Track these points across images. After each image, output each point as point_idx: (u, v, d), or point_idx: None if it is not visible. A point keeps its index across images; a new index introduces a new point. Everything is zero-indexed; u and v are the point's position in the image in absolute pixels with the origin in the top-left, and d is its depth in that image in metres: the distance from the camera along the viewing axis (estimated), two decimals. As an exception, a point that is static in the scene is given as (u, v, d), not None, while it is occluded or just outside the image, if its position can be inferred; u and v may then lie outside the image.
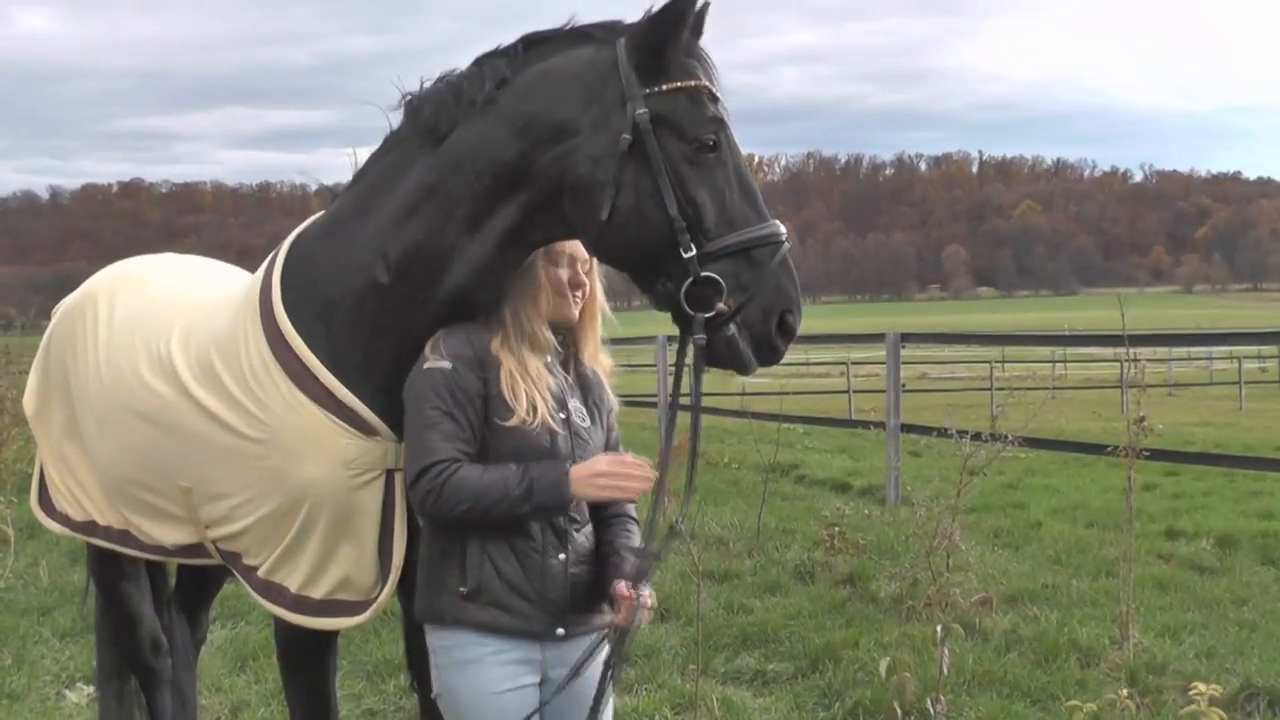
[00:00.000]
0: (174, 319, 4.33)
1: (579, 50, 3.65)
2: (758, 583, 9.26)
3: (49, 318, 5.02)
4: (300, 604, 3.83)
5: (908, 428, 12.87)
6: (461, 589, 3.52)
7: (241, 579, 4.11)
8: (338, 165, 3.63)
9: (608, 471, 3.45)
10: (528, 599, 3.55)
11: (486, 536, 3.53)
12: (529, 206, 3.64)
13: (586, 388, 3.81)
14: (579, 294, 3.73)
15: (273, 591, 3.89)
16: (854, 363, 39.08)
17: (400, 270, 3.66)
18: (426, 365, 3.54)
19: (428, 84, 3.79)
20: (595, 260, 3.72)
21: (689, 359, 3.62)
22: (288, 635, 3.98)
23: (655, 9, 3.55)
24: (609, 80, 3.57)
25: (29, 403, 5.03)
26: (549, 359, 3.70)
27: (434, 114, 3.68)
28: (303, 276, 3.80)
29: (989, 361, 37.09)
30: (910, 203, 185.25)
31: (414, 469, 3.48)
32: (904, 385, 12.59)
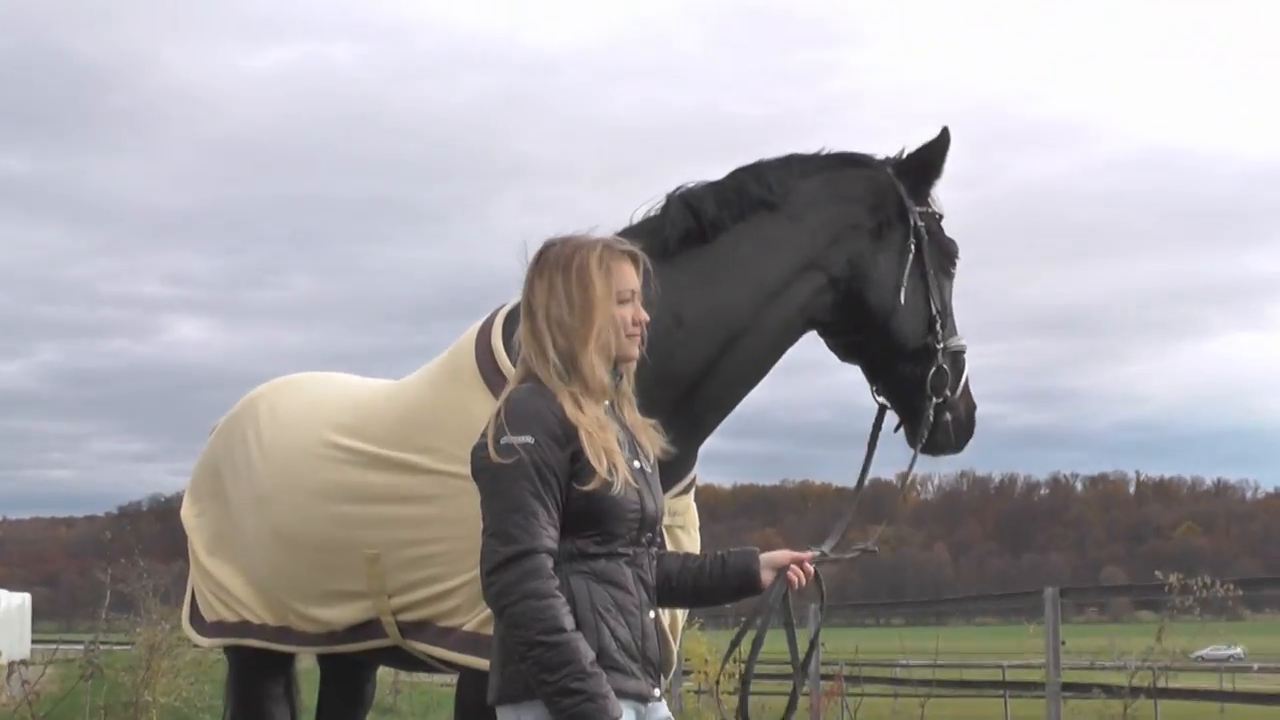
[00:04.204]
0: (344, 408, 4.64)
1: (854, 170, 4.39)
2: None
3: None
4: None
5: (1069, 687, 12.13)
6: None
7: (429, 648, 4.13)
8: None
9: None
10: (635, 659, 3.25)
11: (594, 593, 3.20)
12: (818, 288, 4.25)
13: (638, 431, 3.45)
14: (639, 329, 3.40)
15: (481, 645, 3.73)
16: (1010, 665, 37.51)
17: (693, 325, 4.11)
18: (506, 441, 3.16)
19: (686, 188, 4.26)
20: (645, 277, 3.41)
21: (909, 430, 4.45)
22: (473, 700, 3.84)
23: (924, 143, 4.43)
24: (888, 197, 4.34)
25: (187, 515, 5.19)
26: (606, 405, 3.37)
27: (717, 209, 4.19)
28: None
29: (1152, 667, 35.16)
30: (1066, 523, 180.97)
31: (495, 558, 3.11)
32: (1063, 642, 11.87)
